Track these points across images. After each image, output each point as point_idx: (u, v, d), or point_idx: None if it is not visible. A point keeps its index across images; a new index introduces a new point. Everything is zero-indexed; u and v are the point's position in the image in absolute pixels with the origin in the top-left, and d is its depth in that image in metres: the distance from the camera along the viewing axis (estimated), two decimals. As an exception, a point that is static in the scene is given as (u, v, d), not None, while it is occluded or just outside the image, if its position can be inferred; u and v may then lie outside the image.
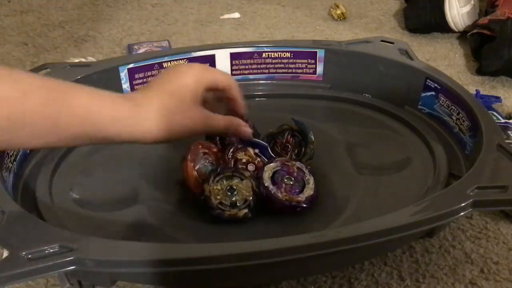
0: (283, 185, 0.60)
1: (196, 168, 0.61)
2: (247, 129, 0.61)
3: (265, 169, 0.60)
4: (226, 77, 0.61)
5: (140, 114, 0.52)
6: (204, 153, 0.63)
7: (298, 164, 0.62)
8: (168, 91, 0.55)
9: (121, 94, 0.56)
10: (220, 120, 0.58)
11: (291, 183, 0.60)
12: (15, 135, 0.46)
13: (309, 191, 0.60)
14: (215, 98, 0.61)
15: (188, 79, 0.56)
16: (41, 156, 0.66)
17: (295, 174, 0.61)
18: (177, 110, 0.54)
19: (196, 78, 0.56)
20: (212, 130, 0.59)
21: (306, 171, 0.61)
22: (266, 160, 0.63)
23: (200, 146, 0.62)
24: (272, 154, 0.64)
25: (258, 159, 0.63)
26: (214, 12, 1.22)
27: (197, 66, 0.60)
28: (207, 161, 0.62)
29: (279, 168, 0.61)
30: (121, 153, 0.66)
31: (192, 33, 1.13)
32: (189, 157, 0.62)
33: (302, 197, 0.59)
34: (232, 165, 0.62)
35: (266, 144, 0.65)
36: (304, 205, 0.59)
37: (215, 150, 0.63)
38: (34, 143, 0.50)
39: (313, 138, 0.65)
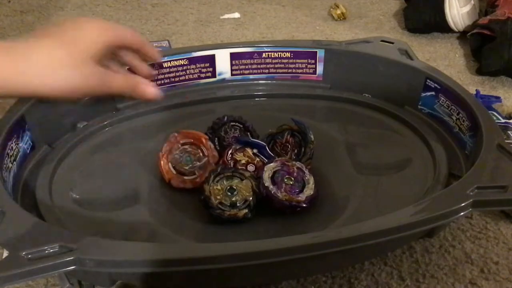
0: (283, 185, 0.60)
1: (169, 159, 0.62)
2: (148, 88, 0.56)
3: (265, 169, 0.60)
4: (133, 33, 0.56)
5: (19, 64, 0.48)
6: (184, 144, 0.63)
7: (298, 164, 0.62)
8: (60, 40, 0.51)
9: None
10: (119, 78, 0.54)
11: (291, 183, 0.60)
12: None
13: (309, 191, 0.60)
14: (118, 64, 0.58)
15: (86, 31, 0.52)
16: (41, 156, 0.66)
17: (295, 174, 0.61)
18: (67, 63, 0.50)
19: (96, 32, 0.52)
20: (111, 89, 0.54)
21: (306, 171, 0.61)
22: (265, 159, 0.63)
23: (178, 137, 0.63)
24: (271, 153, 0.64)
25: (257, 159, 0.63)
26: (214, 12, 1.22)
27: (98, 21, 0.54)
28: (185, 151, 0.63)
29: (279, 168, 0.61)
30: (121, 153, 0.66)
31: (192, 33, 1.13)
32: (163, 148, 0.62)
33: (302, 197, 0.59)
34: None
35: (264, 143, 0.65)
36: (304, 205, 0.59)
37: (203, 139, 0.64)
38: None
39: (313, 138, 0.65)
